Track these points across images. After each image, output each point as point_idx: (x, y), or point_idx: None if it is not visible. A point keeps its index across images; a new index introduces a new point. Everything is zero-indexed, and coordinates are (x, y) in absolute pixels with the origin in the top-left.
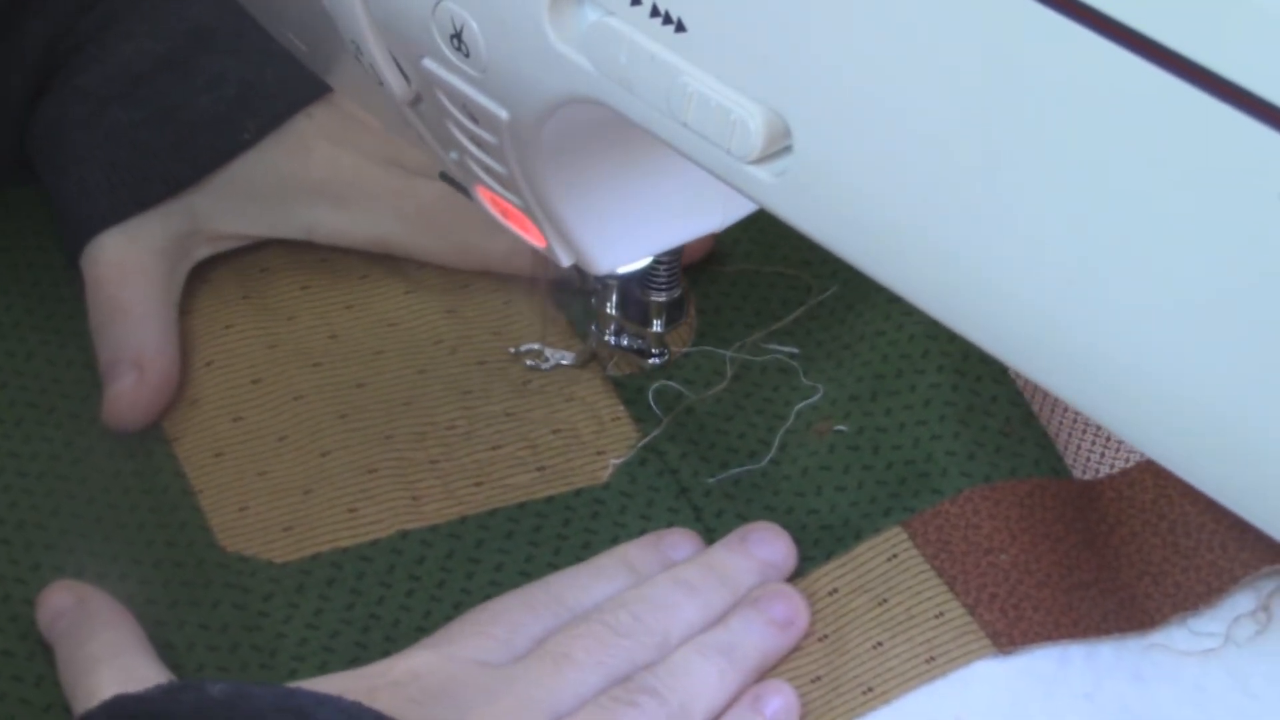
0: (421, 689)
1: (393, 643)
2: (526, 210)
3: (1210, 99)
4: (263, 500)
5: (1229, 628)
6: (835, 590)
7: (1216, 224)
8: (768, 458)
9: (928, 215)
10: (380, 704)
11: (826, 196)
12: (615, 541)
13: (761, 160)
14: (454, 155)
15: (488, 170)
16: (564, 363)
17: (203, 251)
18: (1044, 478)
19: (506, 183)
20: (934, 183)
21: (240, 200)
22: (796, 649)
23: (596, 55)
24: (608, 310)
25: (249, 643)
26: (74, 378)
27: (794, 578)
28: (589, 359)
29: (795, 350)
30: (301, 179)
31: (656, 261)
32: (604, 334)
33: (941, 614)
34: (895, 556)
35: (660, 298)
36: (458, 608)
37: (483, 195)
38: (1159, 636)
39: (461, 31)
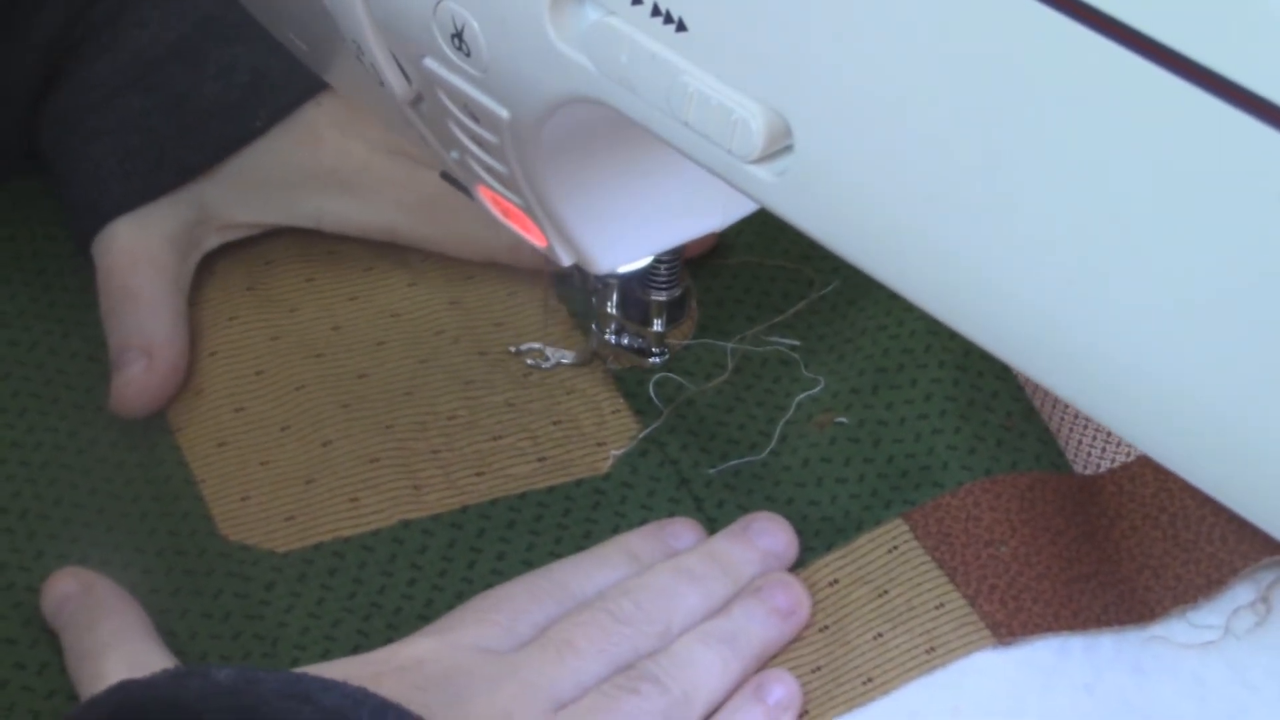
0: (425, 675)
1: (395, 631)
2: (527, 210)
3: (1210, 99)
4: (265, 490)
5: (1228, 620)
6: (836, 581)
7: (1216, 223)
8: (769, 449)
9: (928, 215)
10: (385, 690)
11: (827, 196)
12: (616, 531)
13: (762, 160)
14: (455, 155)
15: (489, 170)
16: (564, 362)
17: (212, 241)
18: (1045, 471)
19: (507, 182)
20: (935, 182)
21: (250, 189)
22: (798, 639)
23: (597, 55)
24: (608, 309)
25: (251, 631)
26: (78, 368)
27: (795, 569)
28: (590, 358)
29: (796, 343)
30: (311, 167)
31: (657, 261)
32: (604, 333)
33: (942, 605)
34: (896, 548)
35: (661, 297)
36: (460, 597)
37: (484, 195)
38: (1158, 629)
39: (462, 31)
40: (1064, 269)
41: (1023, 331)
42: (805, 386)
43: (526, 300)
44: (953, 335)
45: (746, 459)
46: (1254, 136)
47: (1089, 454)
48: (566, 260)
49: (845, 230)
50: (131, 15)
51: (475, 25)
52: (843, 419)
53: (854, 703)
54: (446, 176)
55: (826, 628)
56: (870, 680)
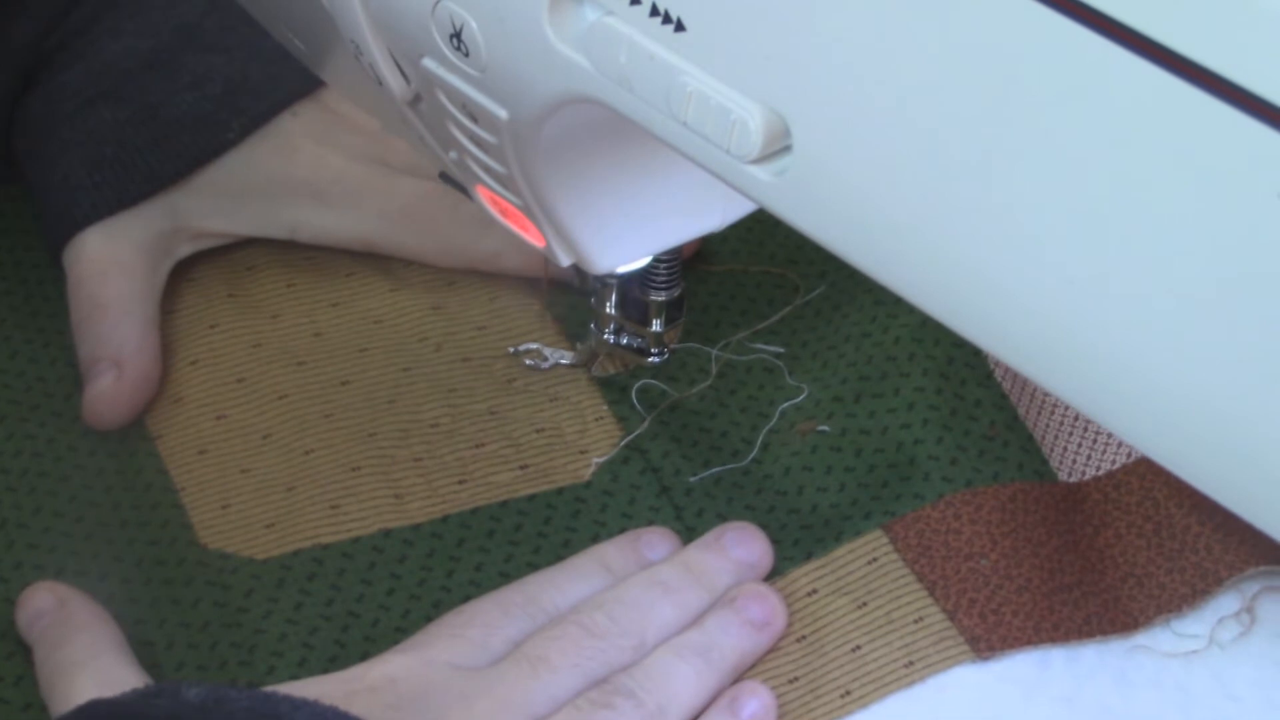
0: (398, 694)
1: (371, 641)
2: (526, 210)
3: (1210, 99)
4: (245, 497)
5: (1213, 630)
6: (814, 591)
7: (1216, 223)
8: (750, 457)
9: (927, 214)
10: (357, 709)
11: (826, 196)
12: (595, 540)
13: (761, 160)
14: (453, 155)
15: (487, 170)
16: (563, 362)
17: (185, 249)
18: (1027, 482)
19: (506, 182)
20: (933, 182)
21: (224, 199)
22: (774, 649)
23: (596, 55)
24: (607, 309)
25: (228, 640)
26: (57, 375)
27: (773, 577)
28: (590, 358)
29: (780, 349)
30: (286, 178)
31: (656, 261)
32: (604, 333)
33: (921, 619)
34: (875, 560)
35: (660, 297)
36: (437, 607)
37: (482, 195)
38: (1143, 638)
39: (461, 31)
40: (1062, 268)
41: (1021, 330)
42: (789, 394)
43: (509, 305)
44: (936, 342)
45: (727, 466)
46: (1253, 136)
47: (1074, 461)
48: (565, 260)
49: (844, 230)
50: (105, 24)
51: (474, 25)
52: (825, 427)
53: (831, 716)
54: (445, 177)
55: (804, 638)
56: (848, 693)
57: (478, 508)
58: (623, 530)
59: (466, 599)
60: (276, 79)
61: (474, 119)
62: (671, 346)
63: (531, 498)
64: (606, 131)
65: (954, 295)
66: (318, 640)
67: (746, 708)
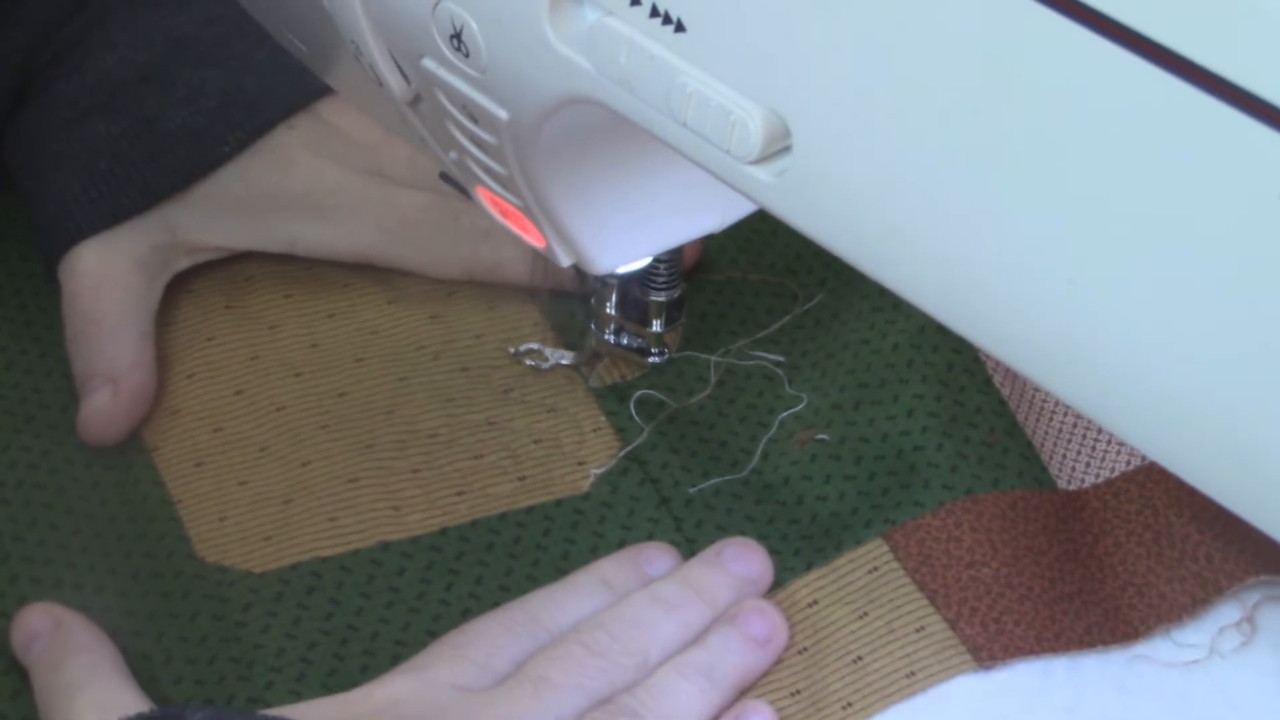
0: (401, 716)
1: (370, 655)
2: (526, 210)
3: (1210, 99)
4: (242, 510)
5: (1213, 639)
6: (815, 602)
7: (1216, 224)
8: (750, 467)
9: (927, 215)
10: None
11: (826, 197)
12: (594, 552)
13: (761, 160)
14: (453, 155)
15: (487, 170)
16: (564, 362)
17: (182, 263)
18: (1027, 489)
19: (506, 183)
20: (933, 182)
21: (220, 213)
22: (776, 661)
23: (596, 55)
24: (607, 310)
25: (226, 654)
26: (53, 387)
27: (774, 589)
28: (590, 359)
29: (780, 358)
30: (283, 192)
31: (656, 261)
32: (604, 333)
33: (922, 628)
34: (876, 569)
35: (660, 297)
36: (436, 620)
37: (482, 195)
38: (1143, 648)
39: (461, 31)
40: (1060, 268)
41: (1020, 330)
42: (788, 403)
43: (507, 314)
44: (935, 349)
45: (726, 477)
46: (1253, 136)
47: (1073, 468)
48: (565, 261)
49: (843, 231)
50: (99, 37)
51: (474, 26)
52: (824, 436)
53: None
54: (445, 177)
55: (805, 650)
56: (850, 705)
57: (476, 520)
58: (622, 542)
59: (466, 612)
60: (272, 92)
61: (474, 119)
62: (671, 355)
63: (530, 509)
64: (606, 132)
65: (953, 295)
66: (316, 655)
67: None
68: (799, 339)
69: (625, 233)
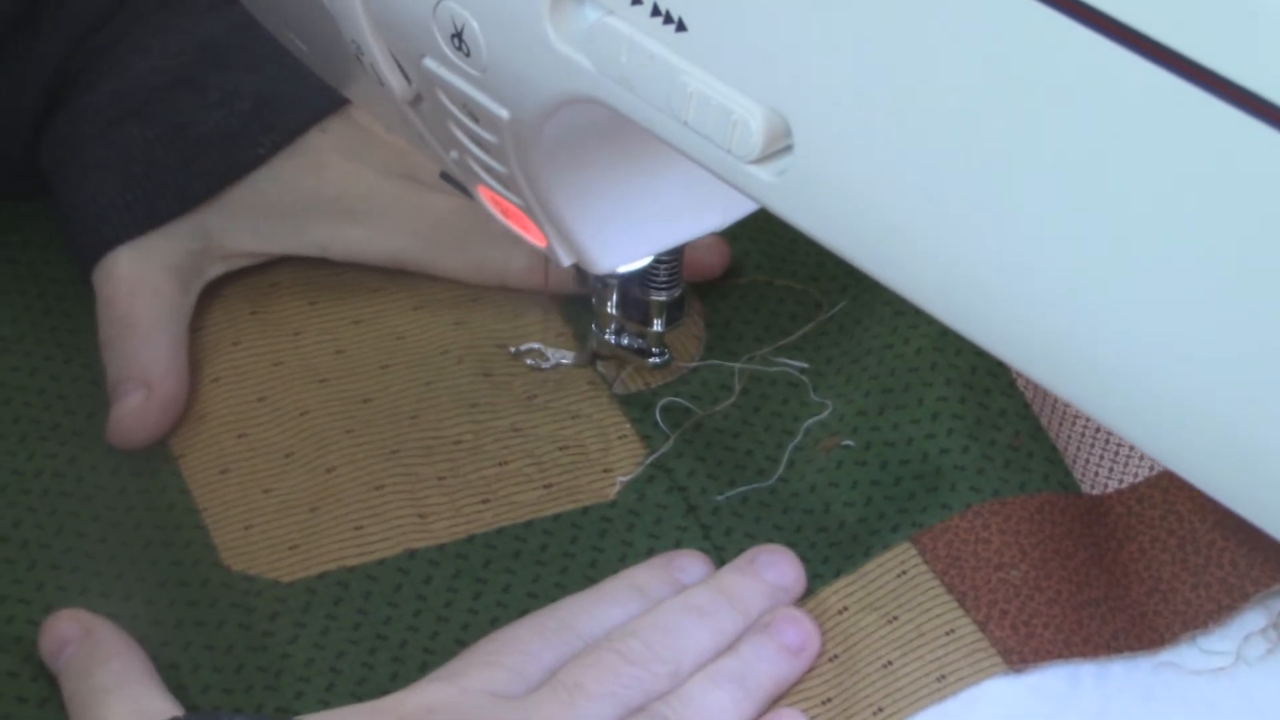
0: None
1: (400, 664)
2: (527, 210)
3: (1211, 99)
4: (268, 518)
5: (1240, 646)
6: (845, 609)
7: (1217, 223)
8: (776, 475)
9: (928, 215)
10: None
11: (827, 196)
12: (622, 560)
13: (762, 160)
14: (454, 155)
15: (488, 170)
16: (564, 362)
17: (215, 270)
18: (1053, 493)
19: (507, 182)
20: (934, 182)
21: (254, 217)
22: (808, 670)
23: (597, 55)
24: (608, 310)
25: (254, 664)
26: (79, 393)
27: (804, 596)
28: (590, 359)
29: (805, 365)
30: (316, 195)
31: (657, 261)
32: (604, 333)
33: (952, 631)
34: (905, 573)
35: (661, 297)
36: (465, 629)
37: (483, 195)
38: (1169, 655)
39: (462, 31)
40: (1059, 268)
41: (1020, 330)
42: (812, 410)
43: (533, 321)
44: (958, 352)
45: (753, 485)
46: (1254, 137)
47: (1096, 473)
48: (566, 260)
49: (844, 230)
50: (133, 42)
51: (475, 25)
52: (849, 442)
53: None
54: (446, 176)
55: (836, 657)
56: (880, 710)
57: (503, 527)
58: (650, 550)
59: (494, 620)
60: (305, 95)
61: (475, 119)
62: (692, 364)
63: (557, 517)
64: (607, 131)
65: (954, 295)
66: (345, 664)
67: None
68: (823, 345)
69: (626, 232)
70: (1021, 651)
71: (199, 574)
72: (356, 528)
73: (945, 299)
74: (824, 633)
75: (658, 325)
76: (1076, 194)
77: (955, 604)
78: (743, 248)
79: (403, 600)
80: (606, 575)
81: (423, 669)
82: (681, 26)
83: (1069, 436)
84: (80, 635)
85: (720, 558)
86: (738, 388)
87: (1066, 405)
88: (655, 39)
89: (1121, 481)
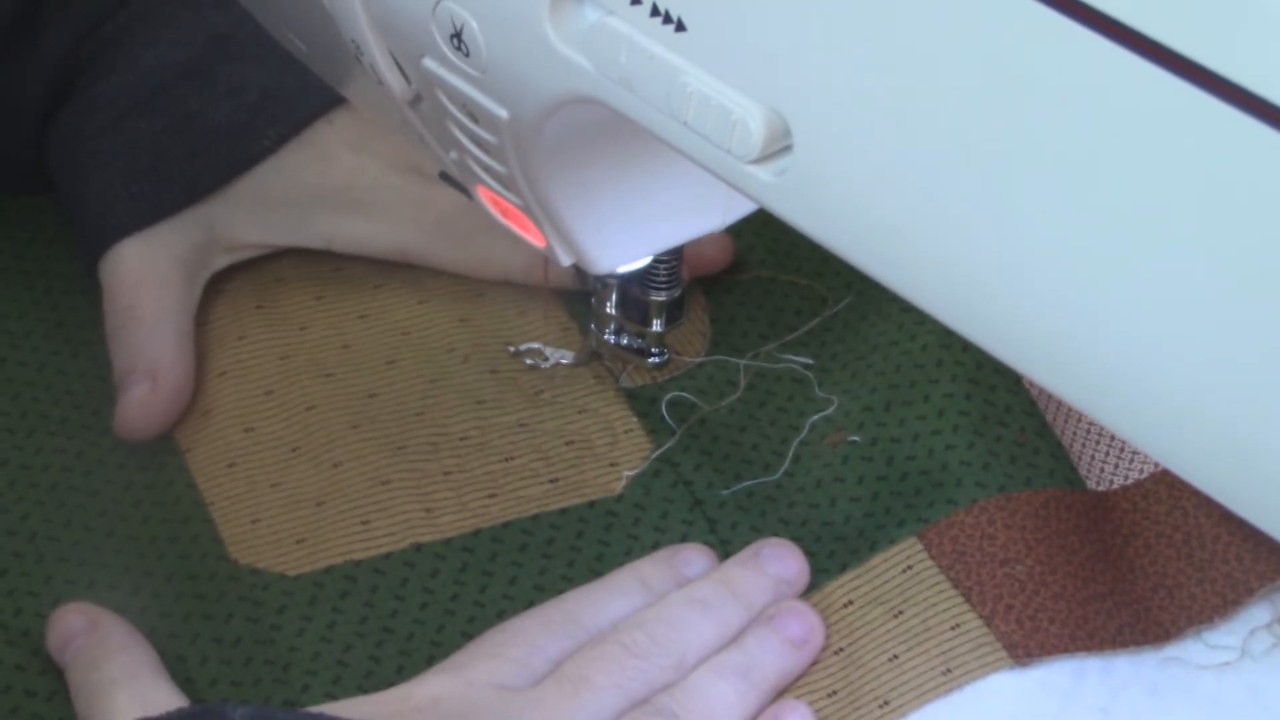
0: (442, 714)
1: (407, 657)
2: (526, 210)
3: (1212, 99)
4: (275, 512)
5: (1245, 641)
6: (850, 602)
7: (1217, 223)
8: (782, 470)
9: (927, 215)
10: None
11: (826, 196)
12: (629, 554)
13: (761, 160)
14: (454, 155)
15: (488, 170)
16: (564, 361)
17: (221, 261)
18: (1059, 488)
19: (506, 182)
20: (933, 182)
21: (260, 209)
22: (813, 662)
23: (596, 55)
24: (608, 310)
25: (262, 657)
26: (86, 388)
27: (809, 590)
28: (589, 359)
29: (810, 361)
30: (322, 187)
31: (657, 261)
32: (604, 333)
33: (958, 625)
34: (910, 568)
35: (660, 297)
36: (472, 621)
37: (483, 195)
38: (1174, 650)
39: (461, 31)
40: (1059, 268)
41: (1020, 330)
42: (818, 405)
43: (537, 317)
44: (965, 348)
45: (760, 480)
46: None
47: (1102, 469)
48: (565, 260)
49: (844, 230)
50: (140, 35)
51: (474, 25)
52: (855, 438)
53: None
54: (445, 176)
55: (841, 650)
56: (886, 703)
57: (509, 522)
58: (656, 544)
59: (501, 613)
60: (311, 87)
61: (474, 119)
62: (698, 360)
63: (563, 511)
64: (607, 131)
65: (953, 294)
66: (352, 657)
67: None
68: (828, 341)
69: (625, 232)
70: (1027, 646)
71: (206, 567)
72: (363, 522)
73: (945, 299)
74: (829, 626)
75: (657, 325)
76: (1075, 194)
77: (961, 599)
78: (747, 243)
79: (409, 594)
80: (612, 569)
81: (429, 662)
82: (681, 26)
83: (1074, 433)
84: (87, 628)
85: (726, 552)
86: (743, 383)
87: None
88: (655, 39)
89: (1127, 477)
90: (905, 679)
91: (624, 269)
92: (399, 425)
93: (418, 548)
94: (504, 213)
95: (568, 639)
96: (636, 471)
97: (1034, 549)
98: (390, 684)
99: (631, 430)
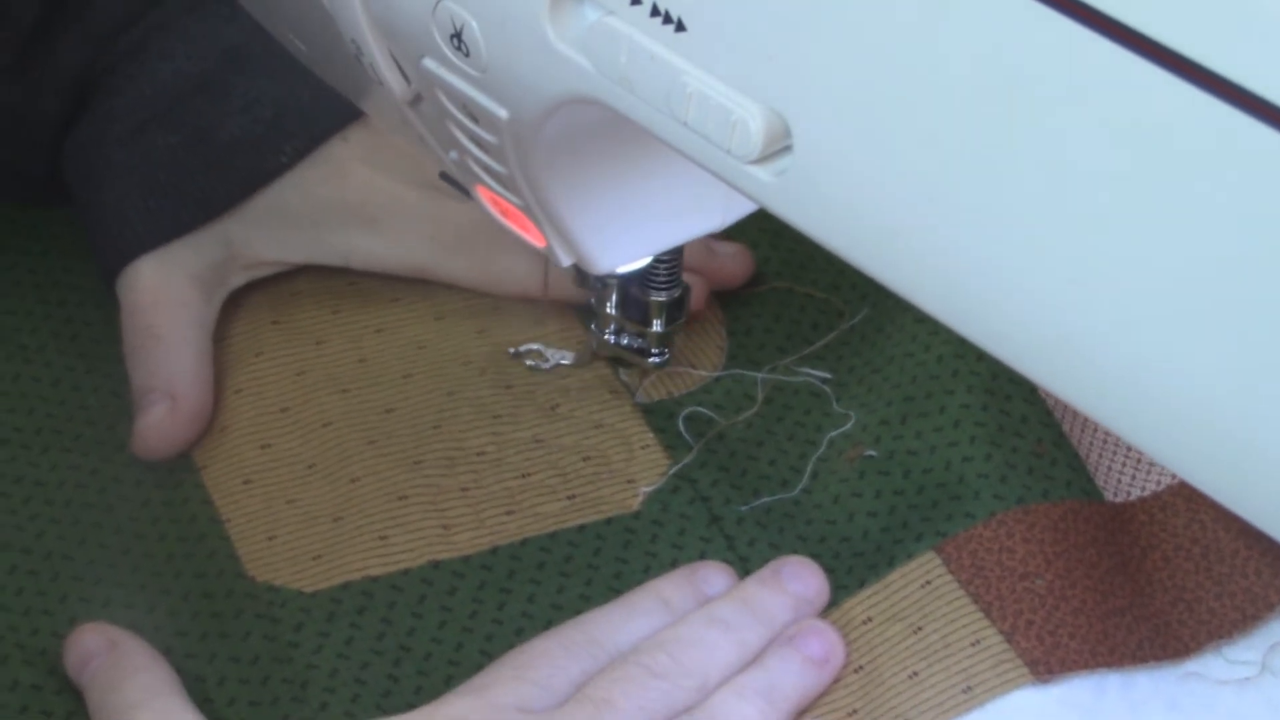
0: None
1: (425, 675)
2: (526, 210)
3: (1211, 99)
4: (292, 528)
5: (1265, 656)
6: (870, 619)
7: (1217, 223)
8: (800, 487)
9: (927, 215)
10: None
11: (826, 196)
12: (647, 571)
13: (761, 160)
14: (454, 155)
15: (487, 170)
16: (564, 362)
17: (239, 279)
18: (1076, 500)
19: (506, 182)
20: (934, 182)
21: (276, 226)
22: (833, 681)
23: (596, 55)
24: (608, 310)
25: (280, 675)
26: (101, 403)
27: (828, 608)
28: (589, 359)
29: (828, 375)
30: (338, 203)
31: (657, 261)
32: (604, 333)
33: (978, 641)
34: (929, 583)
35: (660, 297)
36: (490, 640)
37: (482, 195)
38: (1194, 665)
39: (461, 31)
40: (1059, 268)
41: (1020, 331)
42: (835, 420)
43: (552, 330)
44: (979, 359)
45: (777, 496)
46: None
47: (1119, 480)
48: (565, 261)
49: (844, 231)
50: (155, 48)
51: (474, 25)
52: (872, 452)
53: None
54: (445, 177)
55: (861, 668)
56: None
57: (527, 539)
58: (674, 561)
59: (519, 630)
60: (326, 103)
61: (474, 119)
62: (715, 374)
63: (581, 528)
64: (607, 131)
65: (953, 295)
66: (370, 675)
67: None
68: (845, 355)
69: (625, 232)
70: (1048, 662)
71: (223, 585)
72: (380, 538)
73: (945, 299)
74: (849, 644)
75: (657, 325)
76: (1076, 194)
77: (981, 614)
78: (763, 255)
79: (427, 611)
80: (631, 586)
81: (449, 680)
82: (681, 26)
83: (1091, 443)
84: (106, 649)
85: (744, 568)
86: (760, 398)
87: None
88: (655, 39)
89: (1144, 489)
90: (926, 696)
91: (624, 269)
92: (415, 440)
93: (435, 565)
94: (504, 213)
95: (589, 660)
96: (654, 488)
97: (1053, 563)
98: (409, 703)
99: (648, 446)
